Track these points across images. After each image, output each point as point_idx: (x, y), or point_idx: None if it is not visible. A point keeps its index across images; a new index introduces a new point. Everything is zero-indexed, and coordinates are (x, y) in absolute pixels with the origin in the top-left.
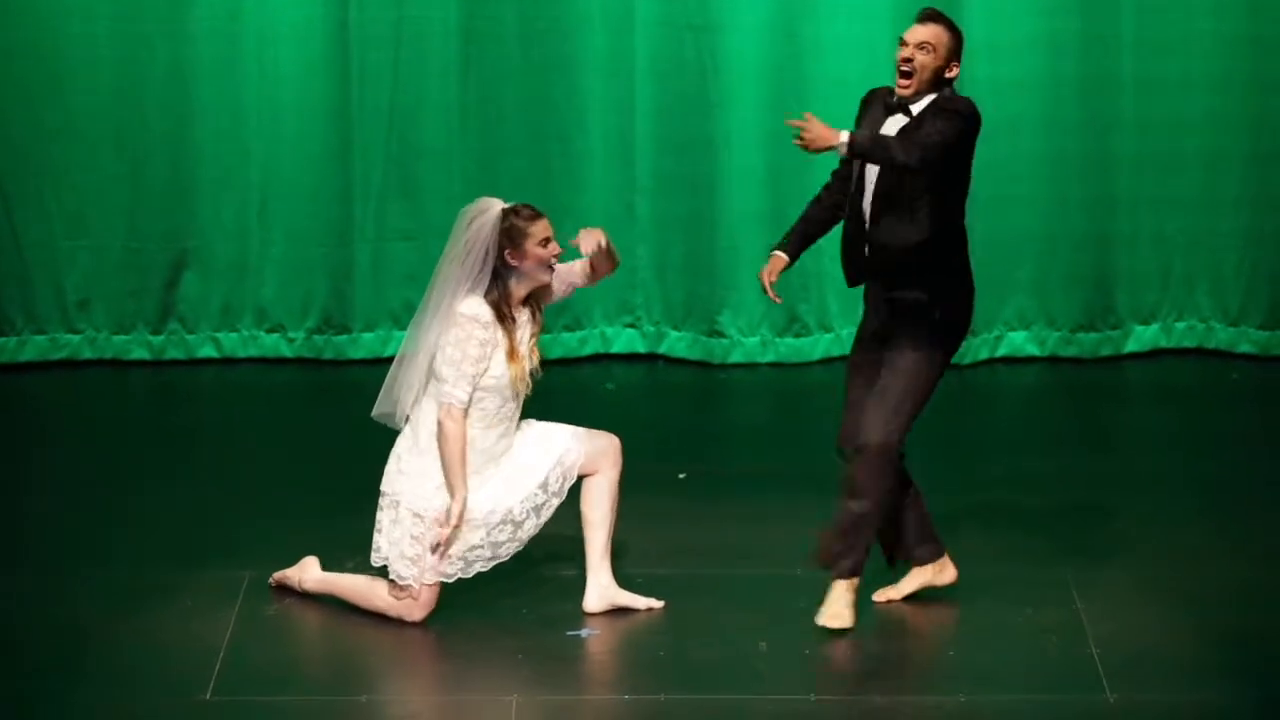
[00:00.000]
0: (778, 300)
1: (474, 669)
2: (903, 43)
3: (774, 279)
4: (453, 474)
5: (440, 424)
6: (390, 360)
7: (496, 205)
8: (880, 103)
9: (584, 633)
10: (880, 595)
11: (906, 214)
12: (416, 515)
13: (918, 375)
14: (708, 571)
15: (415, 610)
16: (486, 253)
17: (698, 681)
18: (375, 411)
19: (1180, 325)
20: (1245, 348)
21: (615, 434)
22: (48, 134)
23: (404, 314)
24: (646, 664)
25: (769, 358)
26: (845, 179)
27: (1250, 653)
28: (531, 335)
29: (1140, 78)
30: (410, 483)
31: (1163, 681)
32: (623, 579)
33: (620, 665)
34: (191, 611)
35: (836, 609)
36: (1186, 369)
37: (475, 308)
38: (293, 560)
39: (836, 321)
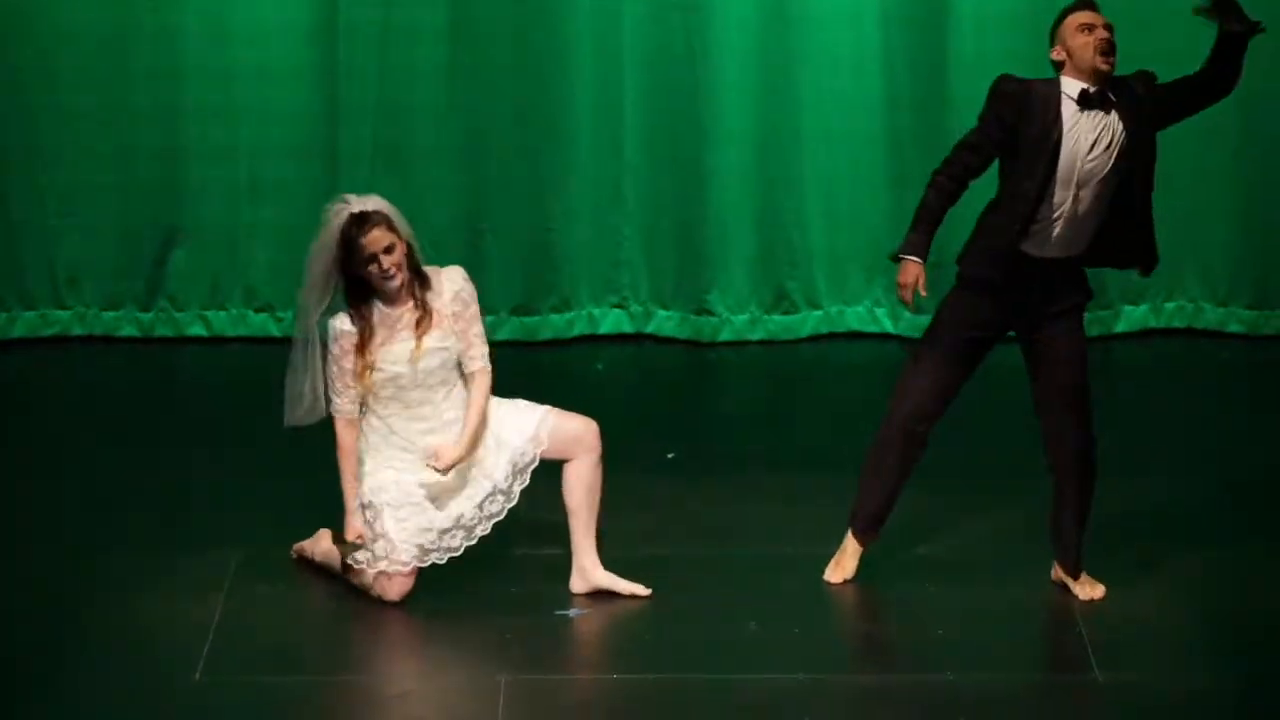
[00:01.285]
0: (915, 312)
1: (463, 649)
2: (1089, 26)
3: (925, 291)
4: (343, 481)
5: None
6: None
7: (344, 212)
8: (1051, 97)
9: (572, 613)
10: (835, 576)
11: (1124, 198)
12: (364, 505)
13: (1087, 358)
14: (697, 551)
15: (388, 591)
16: (332, 263)
17: (687, 661)
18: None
19: (1169, 305)
20: (1234, 327)
21: (602, 416)
22: (37, 112)
23: None
24: (635, 643)
25: (758, 335)
26: (973, 169)
27: (1239, 632)
28: (418, 324)
29: (1124, 56)
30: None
31: (1152, 661)
32: (612, 559)
33: (609, 645)
34: (180, 592)
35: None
36: (1176, 349)
37: (338, 323)
38: (281, 540)
39: (825, 299)
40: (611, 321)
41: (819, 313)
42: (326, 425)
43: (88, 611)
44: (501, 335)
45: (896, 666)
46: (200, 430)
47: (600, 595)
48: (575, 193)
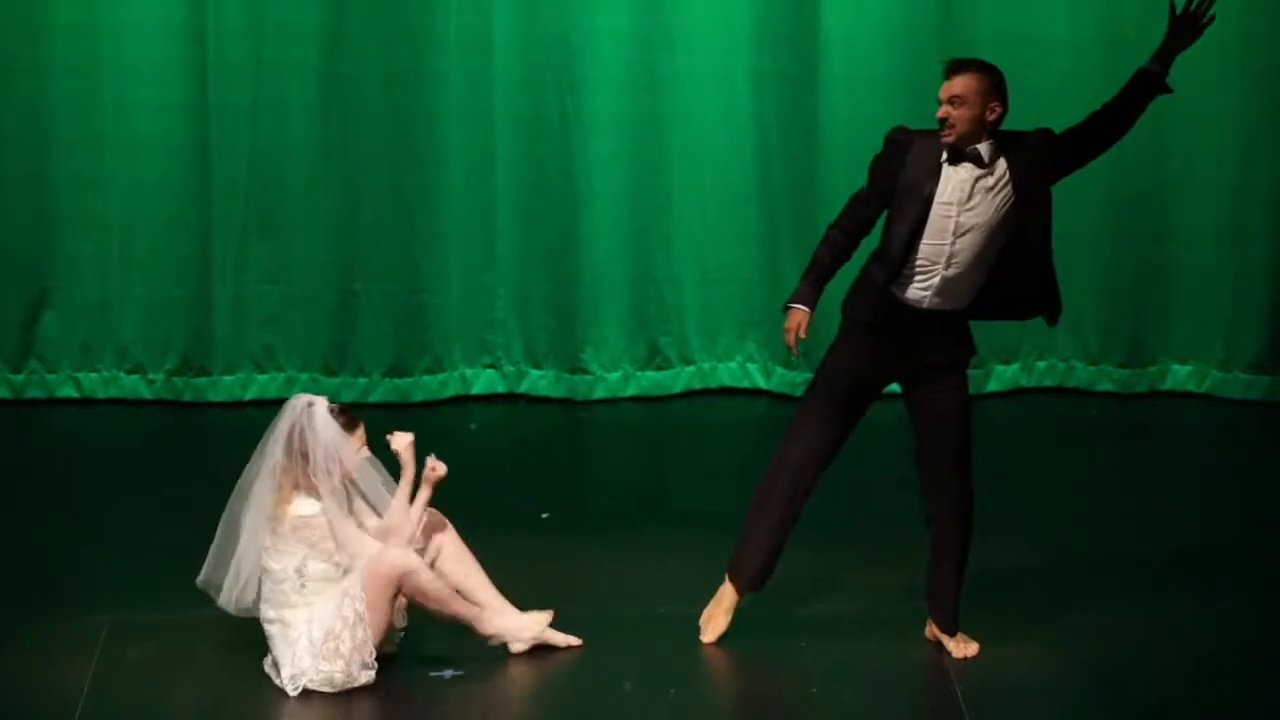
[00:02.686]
0: (797, 355)
1: (339, 711)
2: (939, 99)
3: (805, 335)
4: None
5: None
6: (250, 404)
7: (319, 406)
8: (932, 148)
9: (447, 674)
10: (709, 635)
11: (1020, 251)
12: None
13: (970, 413)
14: (572, 610)
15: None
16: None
17: None
18: (201, 580)
19: (1041, 364)
20: (1105, 386)
21: (476, 477)
22: None
23: (263, 358)
24: (510, 705)
25: (631, 391)
26: (864, 220)
27: (1117, 686)
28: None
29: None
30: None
31: (1025, 716)
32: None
33: (484, 706)
34: (51, 657)
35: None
36: (1047, 407)
37: (312, 507)
38: (152, 605)
39: (697, 355)
40: (485, 382)
41: (691, 368)
42: (188, 483)
43: None
44: (375, 397)
45: None
46: (71, 492)
47: (475, 656)
48: (447, 253)
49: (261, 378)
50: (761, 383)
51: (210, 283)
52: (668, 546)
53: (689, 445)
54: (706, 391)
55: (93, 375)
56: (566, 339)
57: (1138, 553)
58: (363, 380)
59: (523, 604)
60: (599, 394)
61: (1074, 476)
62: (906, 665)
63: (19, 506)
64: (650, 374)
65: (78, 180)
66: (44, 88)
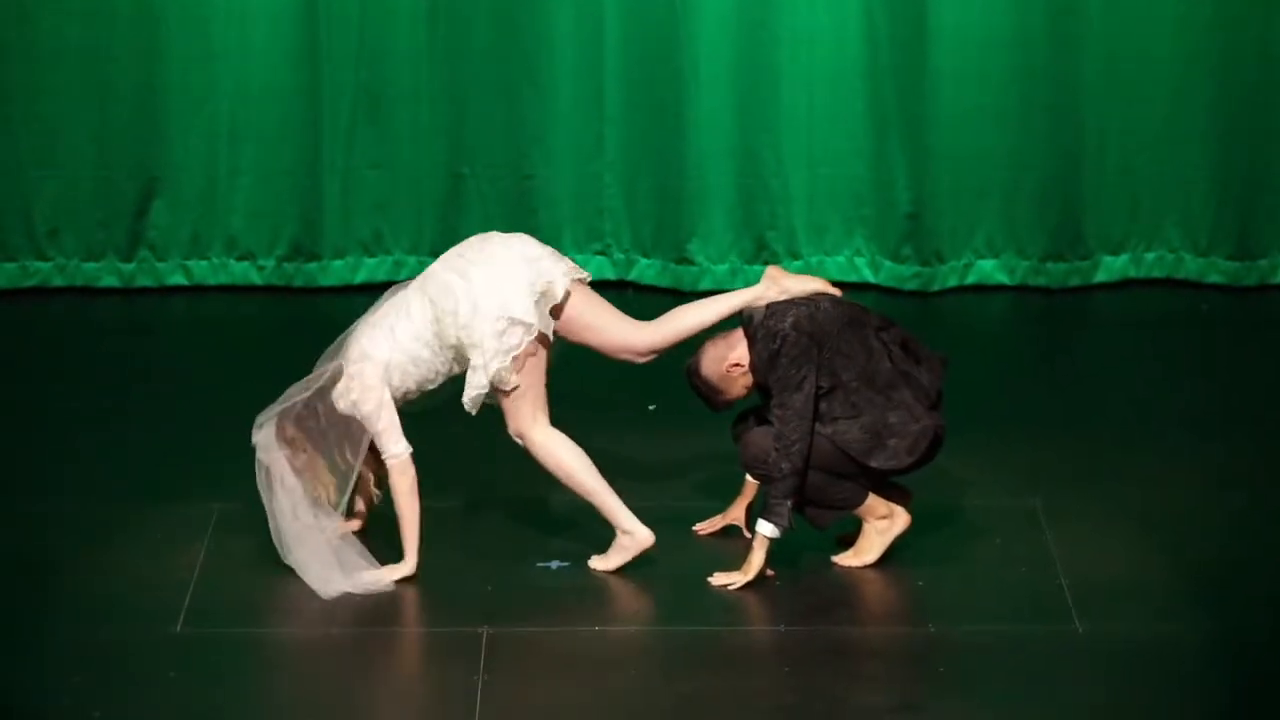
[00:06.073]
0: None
1: (444, 601)
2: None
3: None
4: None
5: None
6: (359, 288)
7: None
8: None
9: (554, 565)
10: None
11: None
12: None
13: None
14: (675, 504)
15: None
16: None
17: (669, 613)
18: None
19: (1150, 255)
20: (1215, 278)
21: (581, 366)
22: (14, 61)
23: (373, 243)
24: (616, 596)
25: (739, 285)
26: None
27: (1220, 583)
28: None
29: (1108, 7)
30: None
31: (1132, 612)
32: (592, 514)
33: (589, 597)
34: (161, 544)
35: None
36: (1156, 299)
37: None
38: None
39: (805, 249)
40: (594, 268)
41: (799, 263)
42: (299, 369)
43: (68, 564)
44: None
45: (876, 618)
46: (182, 380)
47: (578, 547)
48: (555, 140)
49: (370, 261)
50: (870, 276)
51: (319, 169)
52: None
53: None
54: None
55: (202, 263)
56: (673, 229)
57: (1248, 450)
58: None
59: (629, 497)
60: (705, 285)
61: (1182, 370)
62: (1011, 559)
63: (129, 394)
64: (758, 268)
65: (186, 68)
66: None
